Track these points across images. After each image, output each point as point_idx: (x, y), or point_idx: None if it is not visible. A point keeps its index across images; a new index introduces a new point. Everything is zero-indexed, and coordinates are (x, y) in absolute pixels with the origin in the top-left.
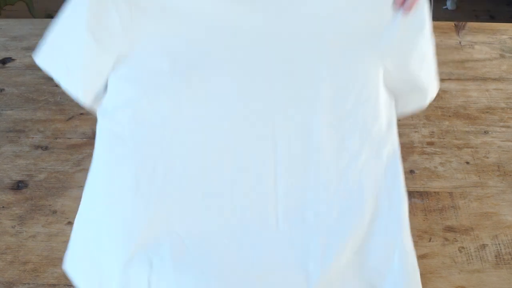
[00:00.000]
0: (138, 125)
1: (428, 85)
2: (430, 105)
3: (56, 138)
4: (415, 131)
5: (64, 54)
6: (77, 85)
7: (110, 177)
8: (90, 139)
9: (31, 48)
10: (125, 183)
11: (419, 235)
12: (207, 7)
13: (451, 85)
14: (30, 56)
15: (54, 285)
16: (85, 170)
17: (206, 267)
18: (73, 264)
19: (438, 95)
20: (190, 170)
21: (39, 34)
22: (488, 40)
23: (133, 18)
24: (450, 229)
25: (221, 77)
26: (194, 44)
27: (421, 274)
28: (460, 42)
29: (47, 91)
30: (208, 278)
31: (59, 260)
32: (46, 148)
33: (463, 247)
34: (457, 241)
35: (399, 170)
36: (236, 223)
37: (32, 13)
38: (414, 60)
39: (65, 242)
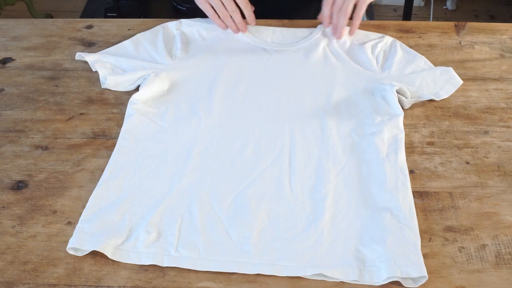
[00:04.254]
0: (175, 118)
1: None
2: (430, 105)
3: (56, 138)
4: (415, 131)
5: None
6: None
7: (146, 149)
8: (90, 139)
9: (31, 48)
10: (163, 158)
11: (419, 235)
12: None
13: None
14: (30, 56)
15: (54, 285)
16: (85, 170)
17: (227, 220)
18: (90, 222)
19: None
20: (221, 153)
21: (39, 34)
22: (488, 40)
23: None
24: (450, 229)
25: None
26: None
27: None
28: (460, 42)
29: (47, 91)
30: (229, 226)
31: (59, 260)
32: (46, 148)
33: (463, 247)
34: (457, 241)
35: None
36: (258, 188)
37: (32, 13)
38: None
39: (65, 242)
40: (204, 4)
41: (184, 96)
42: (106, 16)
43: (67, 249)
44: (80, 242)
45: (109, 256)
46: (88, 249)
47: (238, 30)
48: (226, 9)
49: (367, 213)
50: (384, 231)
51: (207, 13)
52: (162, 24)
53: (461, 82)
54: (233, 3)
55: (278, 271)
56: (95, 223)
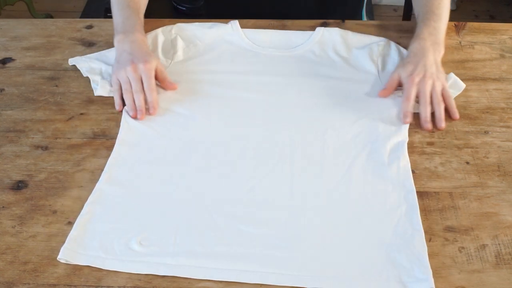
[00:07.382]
0: (171, 124)
1: None
2: None
3: (56, 138)
4: (415, 131)
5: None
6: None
7: (142, 156)
8: (90, 139)
9: (31, 48)
10: (160, 165)
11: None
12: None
13: None
14: (30, 56)
15: (54, 285)
16: (85, 170)
17: (226, 227)
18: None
19: None
20: (219, 159)
21: (39, 34)
22: (488, 40)
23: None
24: (450, 229)
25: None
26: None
27: None
28: (460, 42)
29: (47, 91)
30: (227, 233)
31: (59, 260)
32: (46, 148)
33: (463, 247)
34: (457, 241)
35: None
36: (257, 196)
37: (32, 13)
38: None
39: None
40: (113, 76)
41: (180, 102)
42: (106, 16)
43: (57, 258)
44: (71, 254)
45: (102, 267)
46: (80, 263)
47: (135, 113)
48: (131, 87)
49: (369, 222)
50: (389, 242)
51: (112, 88)
52: (159, 29)
53: (464, 86)
54: (140, 84)
55: (279, 280)
56: (89, 233)
